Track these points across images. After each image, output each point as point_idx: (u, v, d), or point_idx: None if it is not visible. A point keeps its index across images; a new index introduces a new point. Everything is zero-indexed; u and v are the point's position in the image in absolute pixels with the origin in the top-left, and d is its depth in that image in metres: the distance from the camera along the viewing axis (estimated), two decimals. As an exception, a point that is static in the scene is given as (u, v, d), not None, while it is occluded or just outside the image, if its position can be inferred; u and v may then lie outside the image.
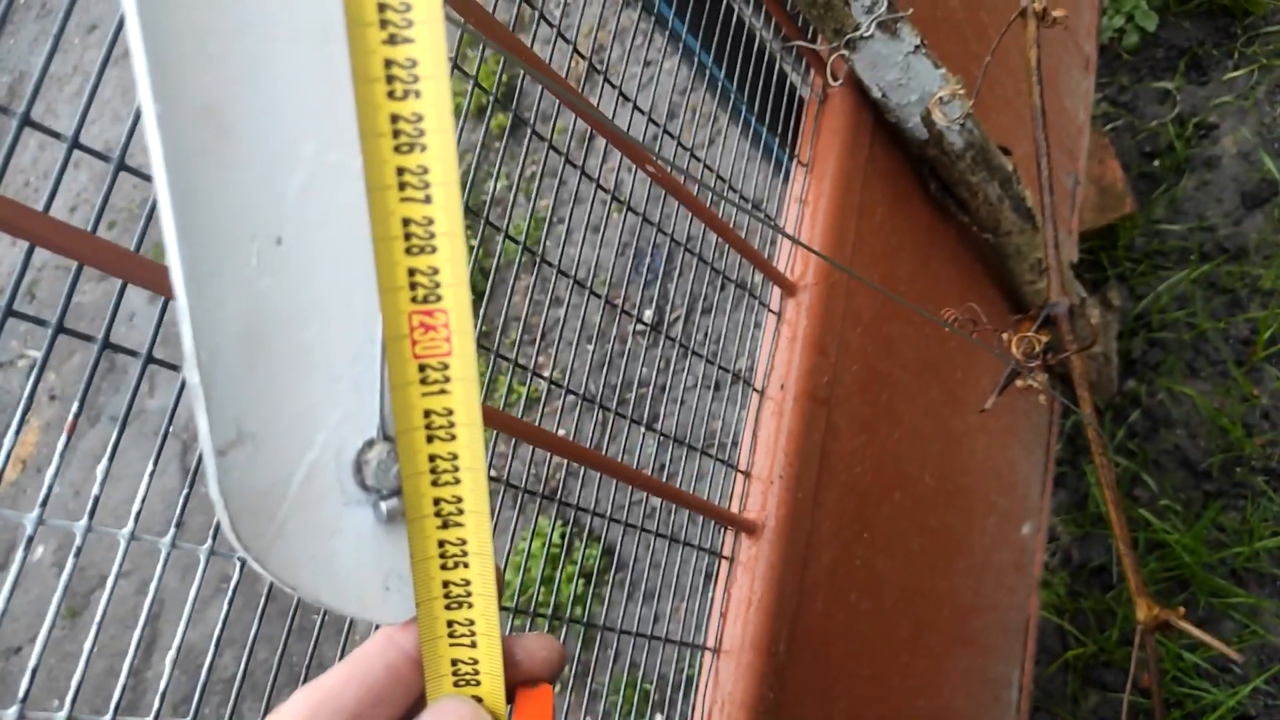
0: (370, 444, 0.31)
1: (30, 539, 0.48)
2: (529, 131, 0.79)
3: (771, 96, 1.10)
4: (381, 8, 0.28)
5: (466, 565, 0.32)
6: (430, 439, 0.31)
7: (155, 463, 0.52)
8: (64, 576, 0.47)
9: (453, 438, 0.31)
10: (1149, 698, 1.46)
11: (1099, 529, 1.61)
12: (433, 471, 0.31)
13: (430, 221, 0.30)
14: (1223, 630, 1.44)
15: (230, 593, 0.61)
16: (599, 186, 0.83)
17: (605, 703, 1.79)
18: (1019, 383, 1.04)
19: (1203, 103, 1.79)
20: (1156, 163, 1.80)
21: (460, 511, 0.32)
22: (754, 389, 1.03)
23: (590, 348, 2.36)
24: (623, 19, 1.04)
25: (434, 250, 0.30)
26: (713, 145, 1.19)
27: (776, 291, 1.06)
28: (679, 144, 0.90)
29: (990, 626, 1.46)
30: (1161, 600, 1.46)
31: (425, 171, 0.29)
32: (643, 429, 0.94)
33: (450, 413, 0.31)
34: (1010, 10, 1.00)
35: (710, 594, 0.99)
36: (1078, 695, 1.54)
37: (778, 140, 1.15)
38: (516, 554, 1.99)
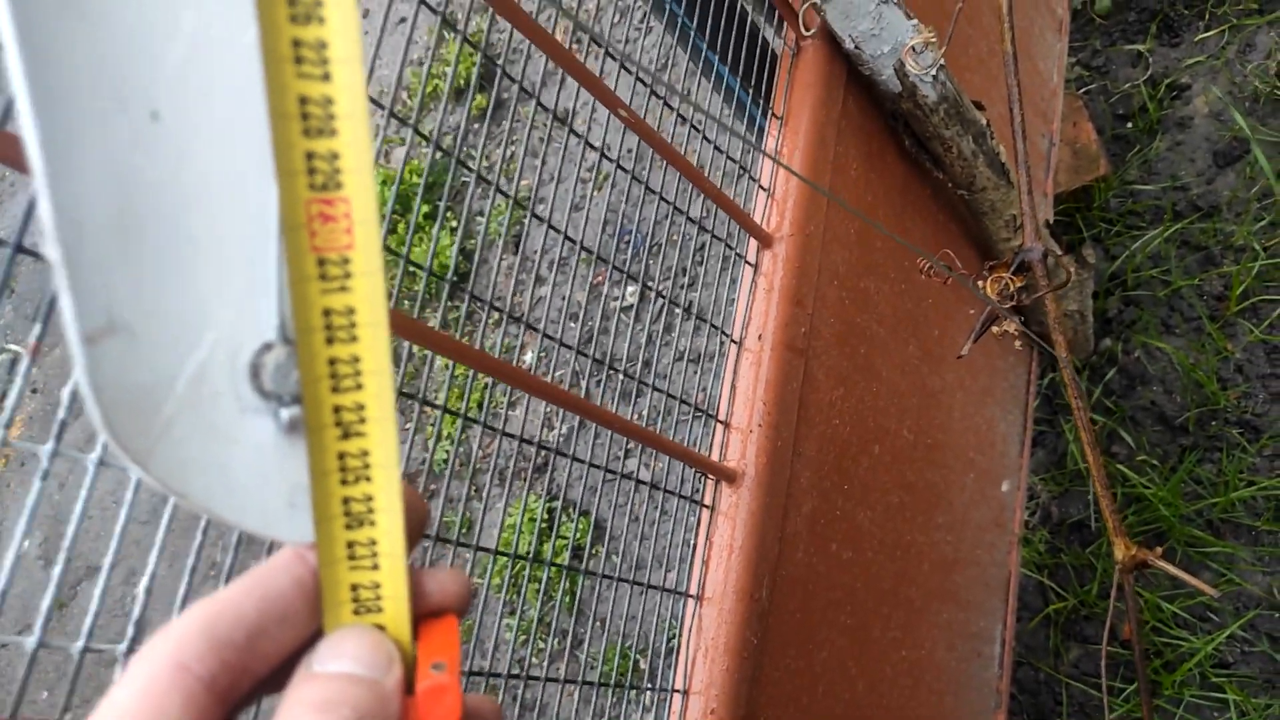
0: (268, 346, 0.29)
1: (45, 473, 0.48)
2: (508, 114, 0.79)
3: (745, 53, 1.10)
4: None
5: (369, 479, 0.29)
6: (330, 340, 0.29)
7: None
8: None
9: (354, 339, 0.29)
10: (1129, 649, 1.48)
11: (1078, 485, 1.63)
12: (333, 376, 0.29)
13: (330, 101, 0.28)
14: (1200, 579, 1.46)
15: (225, 578, 0.61)
16: (586, 143, 0.83)
17: (595, 674, 1.80)
18: (995, 329, 1.05)
19: (1174, 64, 1.80)
20: (1130, 124, 1.81)
21: (363, 420, 0.29)
22: (732, 340, 1.03)
23: (574, 326, 2.36)
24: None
25: (334, 133, 0.28)
26: (688, 121, 1.19)
27: (753, 245, 1.07)
28: (650, 89, 0.90)
29: (971, 582, 1.47)
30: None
31: (324, 46, 0.28)
32: (625, 404, 0.95)
33: (352, 311, 0.29)
34: (979, -42, 1.00)
35: (691, 561, 1.00)
36: (1059, 649, 1.55)
37: (751, 97, 1.15)
38: (506, 530, 1.99)
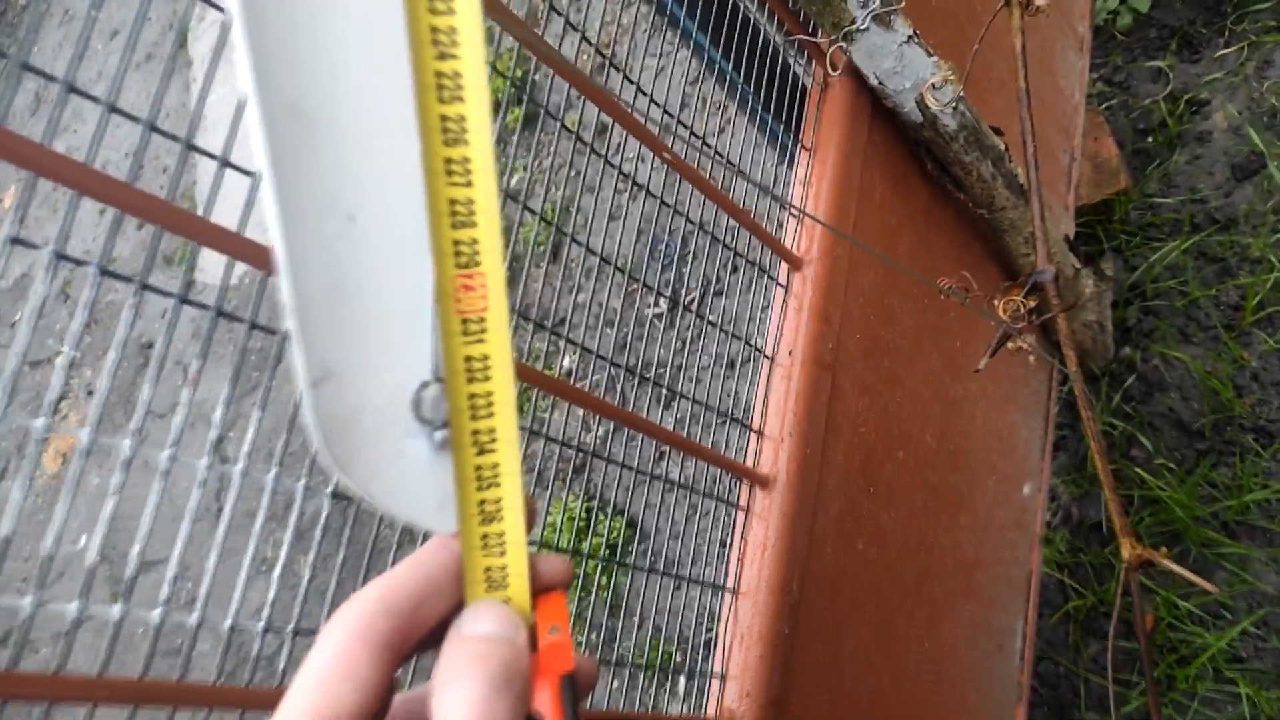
0: (426, 384, 0.37)
1: (128, 461, 0.58)
2: (545, 125, 0.88)
3: (776, 86, 1.19)
4: (433, 30, 0.36)
5: (498, 485, 0.38)
6: (470, 380, 0.37)
7: (210, 458, 0.62)
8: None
9: (488, 379, 0.38)
10: (1145, 645, 1.55)
11: (1098, 488, 1.69)
12: (471, 408, 0.37)
13: (471, 202, 0.37)
14: (1214, 579, 1.53)
15: (277, 572, 0.70)
16: (619, 171, 0.92)
17: (631, 667, 1.90)
18: (1010, 345, 1.13)
19: (1194, 80, 1.86)
20: (1150, 139, 1.87)
21: (494, 440, 0.38)
22: (764, 356, 1.12)
23: (610, 332, 2.44)
24: (632, 14, 1.12)
25: (474, 225, 0.37)
26: (722, 134, 1.27)
27: (784, 267, 1.16)
28: (690, 132, 0.99)
29: (994, 580, 1.55)
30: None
31: (468, 162, 0.37)
32: (660, 407, 1.04)
33: (486, 358, 0.37)
34: None
35: (726, 558, 1.09)
36: (1079, 644, 1.62)
37: (783, 126, 1.23)
38: (546, 529, 2.09)
